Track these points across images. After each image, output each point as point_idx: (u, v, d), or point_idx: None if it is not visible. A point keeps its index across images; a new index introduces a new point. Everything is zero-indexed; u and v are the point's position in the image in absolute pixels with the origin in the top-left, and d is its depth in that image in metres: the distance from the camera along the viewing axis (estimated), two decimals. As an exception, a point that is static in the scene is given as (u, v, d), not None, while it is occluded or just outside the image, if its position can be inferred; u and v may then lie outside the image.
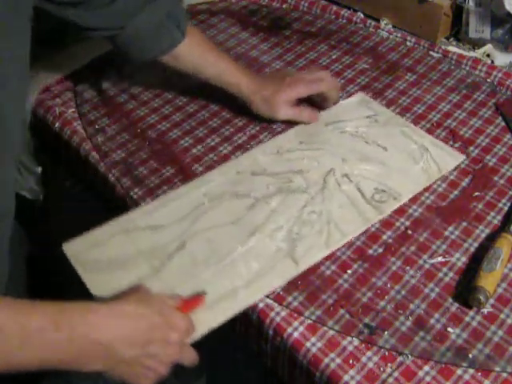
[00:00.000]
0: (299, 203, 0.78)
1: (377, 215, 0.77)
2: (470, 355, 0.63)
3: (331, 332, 0.66)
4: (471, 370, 0.62)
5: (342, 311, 0.67)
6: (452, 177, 0.82)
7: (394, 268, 0.72)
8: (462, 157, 0.84)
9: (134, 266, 0.71)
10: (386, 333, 0.65)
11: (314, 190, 0.79)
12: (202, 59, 0.88)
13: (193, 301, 0.66)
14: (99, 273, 0.70)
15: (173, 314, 0.59)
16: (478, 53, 1.05)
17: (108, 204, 0.89)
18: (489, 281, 0.66)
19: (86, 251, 0.72)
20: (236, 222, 0.76)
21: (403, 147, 0.86)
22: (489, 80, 0.98)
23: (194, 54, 0.88)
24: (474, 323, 0.66)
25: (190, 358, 0.61)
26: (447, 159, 0.84)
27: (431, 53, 1.05)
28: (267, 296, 0.69)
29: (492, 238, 0.72)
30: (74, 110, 0.97)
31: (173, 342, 0.58)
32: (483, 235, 0.74)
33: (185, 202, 0.79)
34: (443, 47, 1.04)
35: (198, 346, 0.63)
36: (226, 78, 0.89)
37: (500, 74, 0.97)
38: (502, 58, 1.03)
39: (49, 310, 0.50)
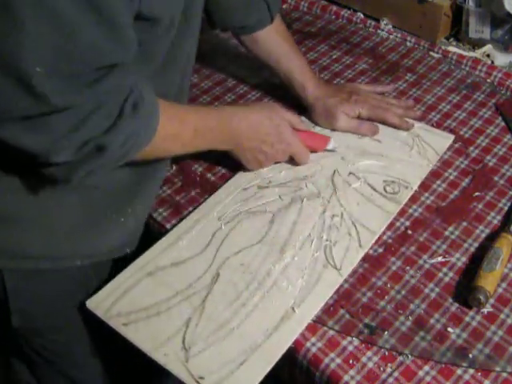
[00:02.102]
0: (317, 210, 0.77)
1: (395, 207, 0.77)
2: (470, 355, 0.63)
3: (331, 332, 0.66)
4: (471, 370, 0.62)
5: (342, 311, 0.67)
6: (452, 177, 0.82)
7: (393, 268, 0.72)
8: (451, 136, 0.86)
9: (175, 308, 0.67)
10: (385, 333, 0.65)
11: (326, 193, 0.79)
12: (280, 50, 0.88)
13: (313, 135, 0.84)
14: (139, 324, 0.66)
15: (285, 130, 0.79)
16: (477, 53, 1.05)
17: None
18: (489, 281, 0.66)
19: (115, 304, 0.68)
20: (261, 240, 0.73)
21: (395, 136, 0.86)
22: (489, 80, 0.98)
23: (274, 42, 0.88)
24: (474, 323, 0.66)
25: (301, 160, 0.82)
26: (439, 140, 0.85)
27: (431, 53, 1.05)
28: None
29: (492, 238, 0.72)
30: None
31: (278, 148, 0.79)
32: (483, 235, 0.74)
33: (200, 230, 0.75)
34: (443, 47, 1.05)
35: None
36: (295, 76, 0.89)
37: (500, 75, 0.97)
38: (501, 59, 1.03)
39: (218, 115, 0.74)
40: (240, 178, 0.82)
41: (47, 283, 0.73)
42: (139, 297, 0.68)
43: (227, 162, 0.85)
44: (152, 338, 0.64)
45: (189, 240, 0.74)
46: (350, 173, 0.81)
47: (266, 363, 0.62)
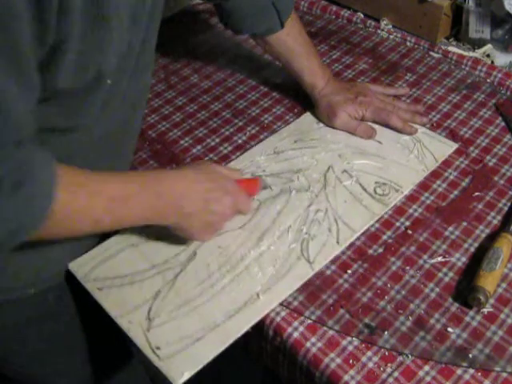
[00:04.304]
0: (304, 203, 0.78)
1: (382, 208, 0.77)
2: (470, 355, 0.63)
3: (331, 332, 0.66)
4: (471, 370, 0.62)
5: (342, 311, 0.67)
6: (452, 177, 0.82)
7: (393, 268, 0.72)
8: (455, 145, 0.86)
9: (148, 280, 0.69)
10: (386, 333, 0.65)
11: (316, 188, 0.79)
12: (290, 52, 0.89)
13: (248, 181, 0.76)
14: (112, 290, 0.68)
15: (226, 182, 0.70)
16: (478, 53, 1.05)
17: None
18: (489, 281, 0.66)
19: (94, 269, 0.71)
20: (243, 226, 0.75)
21: (396, 139, 0.86)
22: (489, 80, 0.98)
23: (284, 45, 0.88)
24: (474, 323, 0.66)
25: (246, 209, 0.72)
26: (441, 147, 0.85)
27: (431, 53, 1.05)
28: (267, 296, 0.69)
29: (492, 238, 0.72)
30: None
31: (226, 202, 0.68)
32: (483, 235, 0.74)
33: None
34: (443, 47, 1.05)
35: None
36: (304, 78, 0.90)
37: (500, 75, 0.97)
38: (502, 58, 1.03)
39: (141, 179, 0.63)
40: (235, 165, 0.84)
41: (4, 312, 0.72)
42: (118, 265, 0.71)
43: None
44: (121, 305, 0.67)
45: None
46: (344, 170, 0.82)
47: (220, 343, 0.63)
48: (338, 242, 0.73)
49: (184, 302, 0.67)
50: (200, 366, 0.61)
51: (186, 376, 0.61)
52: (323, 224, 0.75)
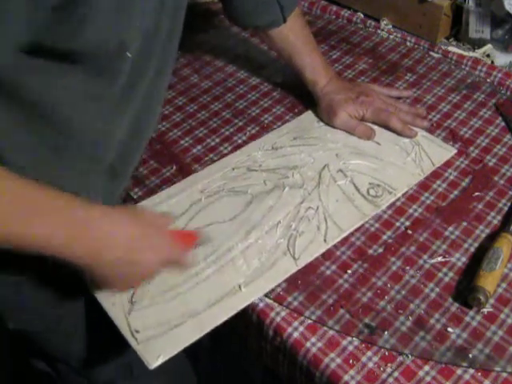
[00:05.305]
0: (296, 199, 0.78)
1: (373, 210, 0.77)
2: (470, 355, 0.63)
3: (331, 332, 0.66)
4: (471, 370, 0.62)
5: (341, 311, 0.67)
6: (452, 177, 0.82)
7: (394, 268, 0.72)
8: (454, 150, 0.85)
9: None
10: (386, 333, 0.65)
11: (310, 185, 0.80)
12: (291, 48, 0.90)
13: (185, 235, 0.71)
14: None
15: (158, 236, 0.63)
16: (478, 53, 1.05)
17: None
18: (489, 281, 0.66)
19: None
20: (234, 218, 0.76)
21: (395, 141, 0.86)
22: (489, 80, 0.98)
23: (286, 40, 0.89)
24: (474, 323, 0.66)
25: (181, 261, 0.66)
26: (439, 152, 0.85)
27: (431, 53, 1.05)
28: (267, 296, 0.69)
29: (492, 238, 0.72)
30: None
31: (151, 259, 0.62)
32: (483, 235, 0.74)
33: (182, 199, 0.79)
34: (443, 47, 1.05)
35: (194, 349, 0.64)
36: (306, 75, 0.90)
37: (500, 74, 0.97)
38: (502, 58, 1.03)
39: (69, 200, 0.56)
40: (233, 158, 0.85)
41: (39, 289, 0.72)
42: None
43: (227, 162, 0.86)
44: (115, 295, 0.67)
45: (169, 205, 0.78)
46: (339, 170, 0.82)
47: (198, 331, 0.64)
48: (325, 241, 0.73)
49: (168, 288, 0.68)
50: (175, 352, 0.63)
51: (161, 360, 0.62)
52: (312, 222, 0.75)
